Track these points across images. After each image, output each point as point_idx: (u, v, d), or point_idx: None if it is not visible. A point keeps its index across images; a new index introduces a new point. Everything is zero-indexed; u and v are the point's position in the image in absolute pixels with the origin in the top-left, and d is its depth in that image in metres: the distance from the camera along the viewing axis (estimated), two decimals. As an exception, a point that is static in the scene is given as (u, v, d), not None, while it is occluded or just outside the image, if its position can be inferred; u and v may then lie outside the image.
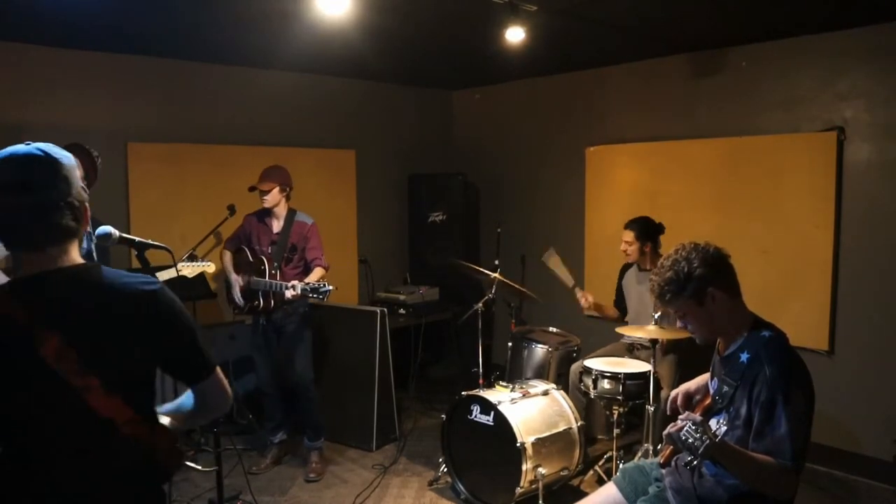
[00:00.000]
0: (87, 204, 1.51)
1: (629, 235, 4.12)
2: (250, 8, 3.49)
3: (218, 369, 1.64)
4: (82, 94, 4.34)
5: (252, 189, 4.06)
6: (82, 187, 1.51)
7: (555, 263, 4.36)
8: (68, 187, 1.45)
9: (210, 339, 4.52)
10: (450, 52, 4.72)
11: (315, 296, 3.75)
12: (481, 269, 4.22)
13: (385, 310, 4.61)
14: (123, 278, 1.54)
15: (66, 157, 1.48)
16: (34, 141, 1.53)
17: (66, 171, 1.46)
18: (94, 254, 3.40)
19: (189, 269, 3.83)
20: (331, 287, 3.75)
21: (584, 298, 4.32)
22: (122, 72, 4.47)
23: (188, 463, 3.91)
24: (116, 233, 2.23)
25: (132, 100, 4.53)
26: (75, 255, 1.50)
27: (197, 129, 4.81)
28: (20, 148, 1.46)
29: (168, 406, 1.68)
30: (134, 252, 2.26)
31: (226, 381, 1.66)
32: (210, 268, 3.92)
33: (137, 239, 2.23)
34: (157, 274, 3.23)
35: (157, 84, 4.64)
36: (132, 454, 1.51)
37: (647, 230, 4.11)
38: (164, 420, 1.63)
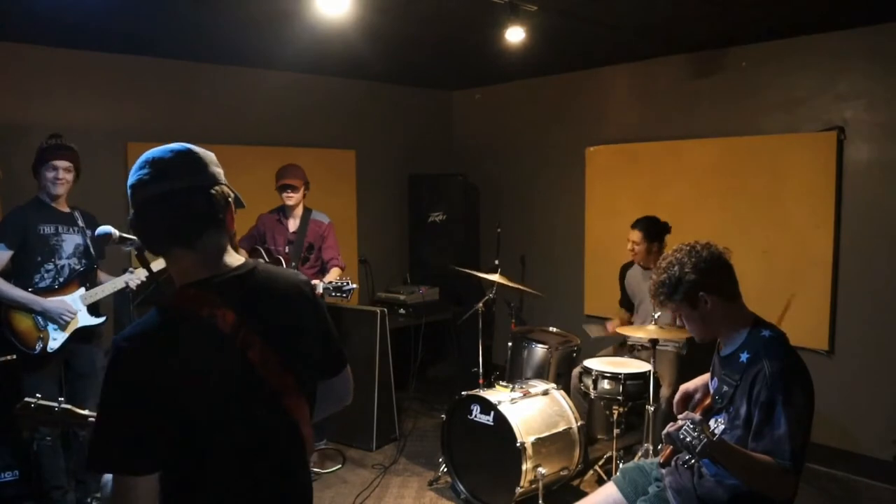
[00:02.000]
0: (231, 200, 1.49)
1: (637, 235, 4.10)
2: (250, 8, 3.49)
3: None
4: (82, 94, 4.34)
5: (285, 187, 4.01)
6: (227, 183, 1.48)
7: (593, 331, 4.41)
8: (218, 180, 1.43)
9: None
10: (450, 52, 4.72)
11: (338, 294, 3.72)
12: (480, 275, 4.20)
13: (385, 310, 4.61)
14: (282, 273, 1.54)
15: (208, 154, 1.48)
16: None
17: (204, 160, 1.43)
18: (91, 250, 3.42)
19: None
20: (354, 285, 3.75)
21: (613, 327, 4.29)
22: (122, 72, 4.47)
23: None
24: (116, 232, 2.23)
25: (132, 100, 4.52)
26: (235, 253, 1.45)
27: (197, 129, 4.81)
28: (173, 146, 1.44)
29: None
30: (134, 252, 2.26)
31: (351, 375, 1.67)
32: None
33: (138, 239, 2.23)
34: (154, 263, 3.23)
35: (157, 84, 4.64)
36: (305, 456, 1.50)
37: (656, 230, 4.09)
38: None
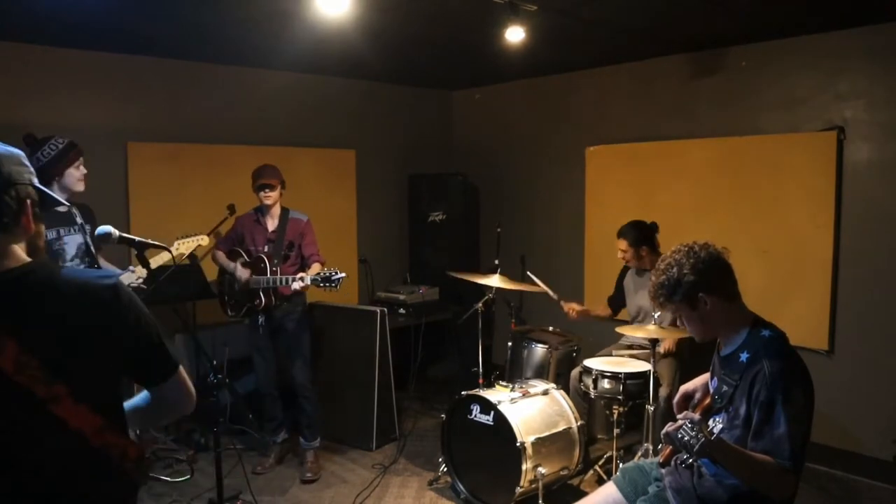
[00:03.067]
0: (29, 202, 1.40)
1: (623, 244, 4.14)
2: (250, 8, 3.49)
3: (181, 368, 1.55)
4: (82, 94, 4.34)
5: (263, 186, 4.03)
6: (30, 182, 1.40)
7: (537, 282, 4.38)
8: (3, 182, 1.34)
9: (171, 337, 4.49)
10: (450, 52, 4.72)
11: (328, 285, 3.73)
12: (478, 280, 4.19)
13: (385, 310, 4.60)
14: (79, 275, 1.46)
15: (9, 151, 1.39)
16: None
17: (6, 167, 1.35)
18: (92, 247, 3.41)
19: (185, 246, 3.77)
20: (343, 274, 3.75)
21: (570, 310, 4.36)
22: (122, 72, 4.47)
23: (159, 476, 3.90)
24: (116, 232, 2.23)
25: (132, 100, 4.53)
26: (20, 254, 1.38)
27: (197, 129, 4.81)
28: None
29: (126, 405, 1.57)
30: (134, 251, 2.26)
31: (189, 381, 1.56)
32: (204, 240, 3.87)
33: (137, 238, 2.23)
34: (152, 260, 3.22)
35: (157, 84, 4.64)
36: (103, 467, 1.41)
37: (640, 235, 4.11)
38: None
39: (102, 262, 3.52)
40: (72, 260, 3.35)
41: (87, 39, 4.11)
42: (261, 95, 5.11)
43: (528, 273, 4.48)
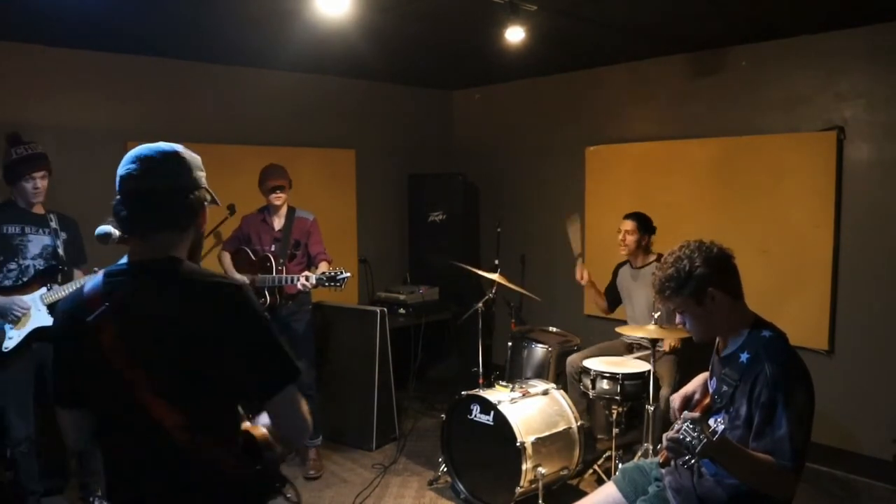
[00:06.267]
0: (205, 204, 1.60)
1: (630, 225, 4.14)
2: (250, 8, 3.49)
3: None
4: (82, 94, 4.34)
5: (273, 188, 4.03)
6: (206, 187, 1.60)
7: (574, 230, 4.38)
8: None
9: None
10: (450, 52, 4.72)
11: (333, 284, 3.74)
12: (480, 272, 4.21)
13: (385, 310, 4.61)
14: (204, 275, 1.50)
15: (193, 157, 1.62)
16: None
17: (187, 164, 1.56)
18: (60, 251, 3.42)
19: None
20: (348, 273, 3.77)
21: (581, 270, 4.35)
22: (122, 72, 4.47)
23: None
24: (116, 232, 2.23)
25: (132, 100, 4.52)
26: (183, 252, 1.53)
27: (197, 129, 4.81)
28: (162, 147, 1.56)
29: (264, 419, 1.59)
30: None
31: (302, 405, 1.53)
32: None
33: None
34: None
35: (157, 84, 4.63)
36: (180, 462, 1.44)
37: (648, 224, 4.15)
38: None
39: (79, 275, 3.54)
40: (33, 258, 3.39)
41: (87, 39, 4.11)
42: (261, 95, 5.10)
43: (574, 216, 4.44)
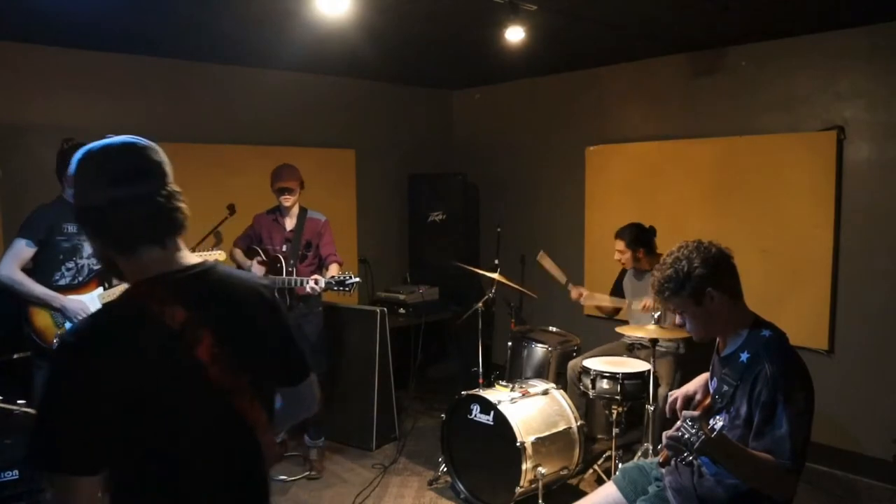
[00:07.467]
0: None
1: (620, 245, 4.15)
2: (250, 7, 3.49)
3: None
4: (82, 94, 4.34)
5: (282, 190, 4.03)
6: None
7: (548, 264, 4.39)
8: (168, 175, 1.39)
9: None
10: (450, 52, 4.72)
11: (342, 288, 3.76)
12: (481, 271, 4.21)
13: (385, 309, 4.60)
14: (242, 275, 1.52)
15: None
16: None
17: (164, 157, 1.39)
18: (85, 249, 3.40)
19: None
20: (357, 279, 3.78)
21: (578, 291, 4.32)
22: (122, 72, 4.47)
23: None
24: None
25: (132, 100, 4.52)
26: (189, 252, 1.44)
27: (197, 129, 4.81)
28: (122, 138, 1.37)
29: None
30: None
31: (317, 384, 1.63)
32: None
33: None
34: None
35: (157, 84, 4.64)
36: (261, 463, 1.43)
37: (638, 237, 4.12)
38: None
39: None
40: (88, 258, 3.38)
41: (88, 39, 4.11)
42: (261, 95, 5.10)
43: (542, 254, 4.41)
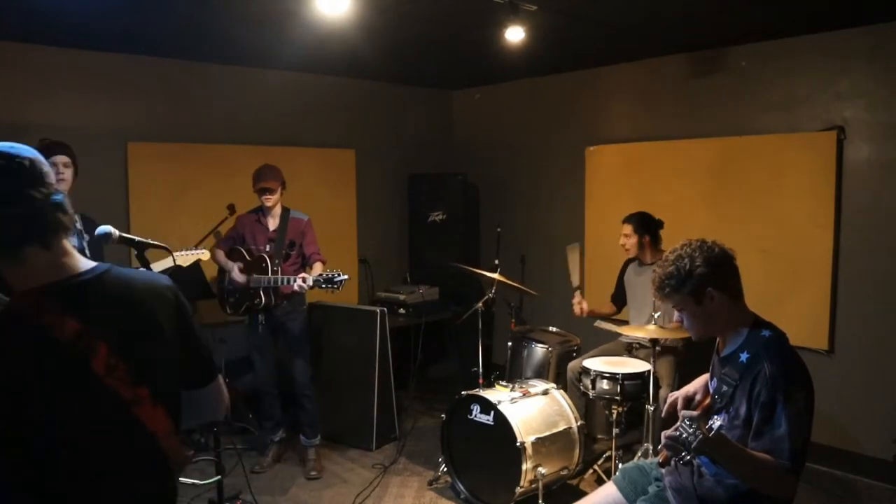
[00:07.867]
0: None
1: (627, 228, 4.15)
2: (250, 7, 3.49)
3: (219, 374, 1.59)
4: (82, 94, 4.34)
5: (263, 190, 4.05)
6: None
7: (573, 258, 4.34)
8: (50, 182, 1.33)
9: (209, 340, 4.52)
10: (450, 52, 4.72)
11: (330, 286, 3.76)
12: (481, 272, 4.21)
13: (385, 309, 4.61)
14: (142, 277, 1.45)
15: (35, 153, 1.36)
16: (35, 141, 1.50)
17: (46, 167, 1.33)
18: (87, 252, 3.41)
19: (183, 259, 3.80)
20: (346, 276, 3.79)
21: (580, 305, 4.29)
22: (122, 72, 4.47)
23: (185, 479, 3.90)
24: (116, 232, 2.22)
25: (132, 100, 4.53)
26: (79, 255, 1.37)
27: (197, 129, 4.81)
28: (16, 147, 1.35)
29: None
30: (134, 252, 2.25)
31: (224, 387, 1.60)
32: (205, 255, 3.90)
33: (137, 238, 2.22)
34: (153, 265, 3.24)
35: (157, 84, 4.64)
36: (164, 469, 1.41)
37: (646, 223, 4.13)
38: None
39: None
40: None
41: (87, 39, 4.11)
42: (261, 95, 5.10)
43: (575, 246, 4.37)
